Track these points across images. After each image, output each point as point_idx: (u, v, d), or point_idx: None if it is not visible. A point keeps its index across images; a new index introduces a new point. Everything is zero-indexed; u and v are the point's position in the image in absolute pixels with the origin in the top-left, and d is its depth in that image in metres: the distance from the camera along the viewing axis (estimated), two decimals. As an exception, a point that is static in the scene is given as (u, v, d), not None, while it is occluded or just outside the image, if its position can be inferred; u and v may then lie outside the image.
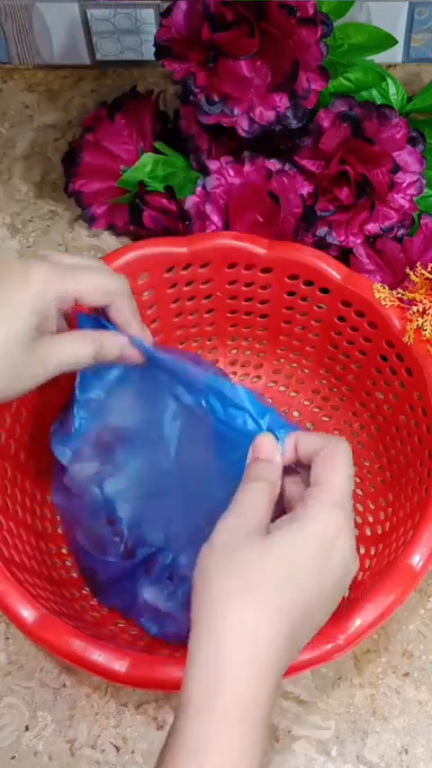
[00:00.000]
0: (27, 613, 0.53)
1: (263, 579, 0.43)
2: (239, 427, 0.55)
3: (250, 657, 0.41)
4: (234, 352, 0.75)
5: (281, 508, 0.52)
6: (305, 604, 0.44)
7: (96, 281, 0.54)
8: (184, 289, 0.70)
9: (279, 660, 0.42)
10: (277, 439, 0.53)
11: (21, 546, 0.60)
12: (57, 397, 0.63)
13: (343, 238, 0.71)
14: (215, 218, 0.71)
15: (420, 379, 0.62)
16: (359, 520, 0.66)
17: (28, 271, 0.52)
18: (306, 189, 0.70)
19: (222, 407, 0.57)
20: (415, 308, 0.63)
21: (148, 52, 0.86)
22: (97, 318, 0.57)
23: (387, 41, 0.75)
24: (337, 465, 0.48)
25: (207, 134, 0.74)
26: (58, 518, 0.65)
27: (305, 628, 0.44)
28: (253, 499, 0.48)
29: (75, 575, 0.64)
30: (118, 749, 0.60)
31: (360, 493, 0.67)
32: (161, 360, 0.58)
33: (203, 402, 0.58)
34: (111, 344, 0.56)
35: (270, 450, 0.52)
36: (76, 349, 0.54)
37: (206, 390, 0.58)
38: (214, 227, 0.71)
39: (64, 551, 0.65)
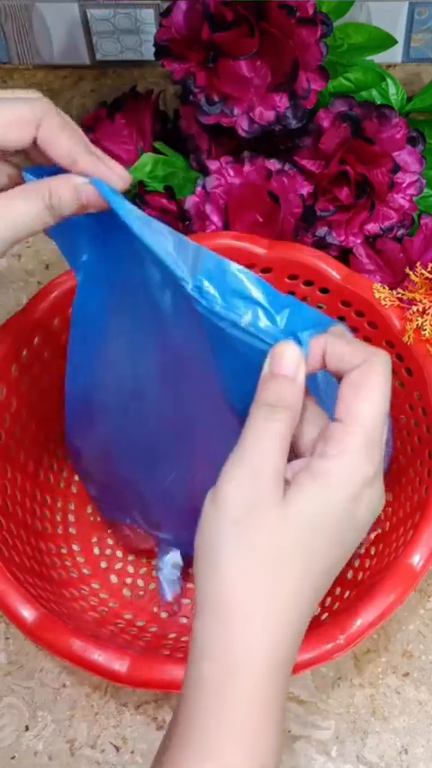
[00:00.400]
0: (27, 613, 0.53)
1: (280, 555, 0.37)
2: (246, 326, 0.42)
3: (267, 646, 0.37)
4: (234, 352, 0.75)
5: None
6: (327, 571, 0.39)
7: (11, 112, 0.42)
8: (184, 289, 0.69)
9: (296, 640, 0.39)
10: (300, 344, 0.40)
11: (21, 546, 0.60)
12: (57, 397, 0.63)
13: (343, 238, 0.71)
14: (215, 218, 0.71)
15: (420, 379, 0.62)
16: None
17: None
18: (306, 189, 0.70)
19: (221, 295, 0.42)
20: (415, 308, 0.63)
21: (148, 52, 0.85)
22: (47, 169, 0.44)
23: (387, 41, 0.75)
24: (372, 392, 0.39)
25: (207, 134, 0.74)
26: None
27: (323, 589, 0.39)
28: (269, 438, 0.39)
29: (75, 575, 0.64)
30: (118, 749, 0.60)
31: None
32: (126, 212, 0.42)
33: (192, 286, 0.42)
34: (62, 190, 0.43)
35: (292, 365, 0.40)
36: (20, 208, 0.42)
37: (196, 268, 0.42)
38: (214, 227, 0.71)
39: (64, 551, 0.65)
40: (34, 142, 0.43)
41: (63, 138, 0.43)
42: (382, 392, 0.39)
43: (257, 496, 0.38)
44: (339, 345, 0.41)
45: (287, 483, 0.39)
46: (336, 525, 0.38)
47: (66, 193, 0.43)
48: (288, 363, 0.40)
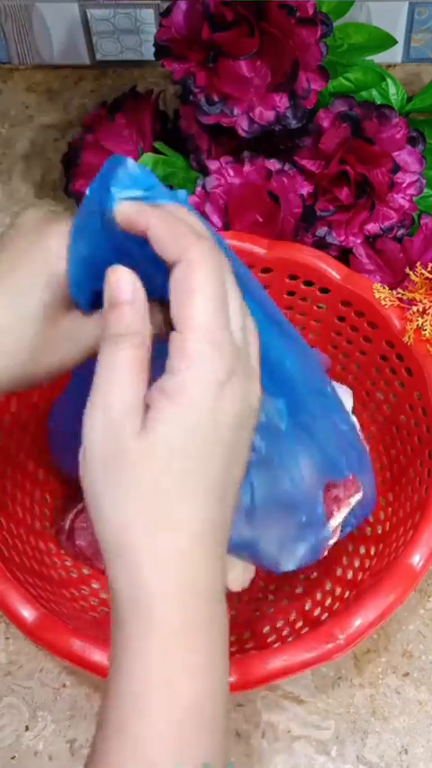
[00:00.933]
0: (27, 613, 0.53)
1: (155, 488, 0.36)
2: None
3: (179, 579, 0.37)
4: (234, 352, 0.75)
5: None
6: (217, 482, 0.38)
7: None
8: (184, 289, 0.69)
9: (208, 565, 0.37)
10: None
11: (21, 546, 0.60)
12: (57, 397, 0.63)
13: (343, 238, 0.71)
14: (215, 218, 0.71)
15: (420, 379, 0.62)
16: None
17: (47, 230, 0.43)
18: (306, 189, 0.70)
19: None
20: (415, 308, 0.63)
21: (148, 52, 0.85)
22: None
23: (387, 41, 0.75)
24: (200, 293, 0.37)
25: (207, 134, 0.74)
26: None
27: (223, 501, 0.38)
28: (118, 370, 0.37)
29: (75, 575, 0.64)
30: (118, 749, 0.60)
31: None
32: None
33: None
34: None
35: (128, 289, 0.38)
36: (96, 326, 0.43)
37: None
38: (214, 228, 0.71)
39: (64, 551, 0.65)
40: None
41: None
42: (210, 291, 0.37)
43: (115, 436, 0.37)
44: (162, 228, 0.38)
45: (148, 409, 0.37)
46: (204, 436, 0.37)
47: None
48: (124, 288, 0.38)
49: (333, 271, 0.66)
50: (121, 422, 0.37)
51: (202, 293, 0.37)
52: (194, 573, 0.37)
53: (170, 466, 0.37)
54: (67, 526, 0.64)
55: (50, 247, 0.42)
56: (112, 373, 0.37)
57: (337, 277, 0.66)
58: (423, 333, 0.63)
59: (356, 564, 0.63)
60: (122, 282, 0.38)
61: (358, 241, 0.71)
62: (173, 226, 0.38)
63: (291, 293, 0.69)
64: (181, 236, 0.38)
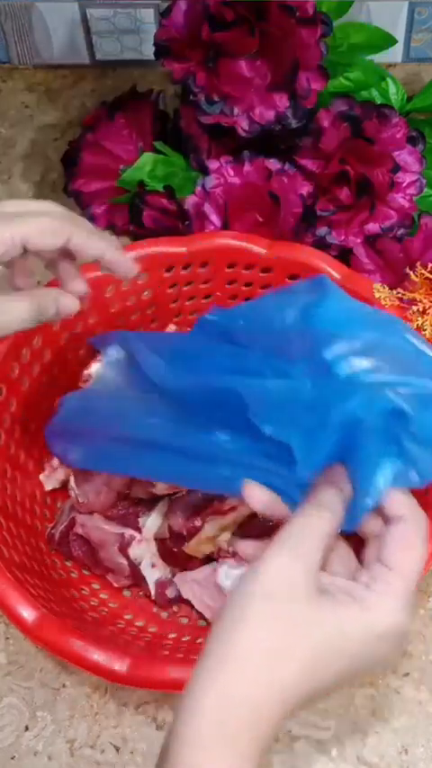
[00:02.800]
0: (27, 613, 0.53)
1: (300, 650, 0.39)
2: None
3: (232, 702, 0.38)
4: (234, 352, 0.75)
5: None
6: (320, 687, 0.40)
7: (39, 224, 0.50)
8: (184, 289, 0.70)
9: (256, 718, 0.39)
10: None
11: (21, 546, 0.60)
12: (57, 397, 0.63)
13: (343, 238, 0.71)
14: (214, 217, 0.71)
15: (420, 379, 0.62)
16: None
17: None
18: (306, 189, 0.70)
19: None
20: (415, 308, 0.63)
21: (148, 52, 0.85)
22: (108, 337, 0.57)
23: (387, 41, 0.75)
24: (416, 550, 0.42)
25: (207, 134, 0.74)
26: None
27: (305, 699, 0.40)
28: (317, 532, 0.41)
29: (75, 575, 0.64)
30: (118, 749, 0.60)
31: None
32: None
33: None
34: (46, 299, 0.52)
35: (343, 478, 0.44)
36: (14, 308, 0.51)
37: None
38: (213, 227, 0.71)
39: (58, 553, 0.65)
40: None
41: (87, 240, 0.52)
42: (423, 552, 0.42)
43: (294, 582, 0.40)
44: (397, 494, 0.43)
45: (324, 592, 0.41)
46: (354, 653, 0.40)
47: (48, 303, 0.52)
48: (340, 476, 0.43)
49: (333, 270, 0.66)
50: (305, 575, 0.40)
51: (419, 552, 0.42)
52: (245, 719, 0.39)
53: (320, 644, 0.39)
54: (57, 536, 0.64)
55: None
56: (310, 530, 0.41)
57: (338, 277, 0.66)
58: (423, 333, 0.63)
59: (356, 564, 0.63)
60: (340, 473, 0.43)
61: (358, 241, 0.71)
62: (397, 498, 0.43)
63: (291, 293, 0.69)
64: (407, 499, 0.44)
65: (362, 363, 0.43)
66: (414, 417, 0.42)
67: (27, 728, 0.61)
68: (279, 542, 0.41)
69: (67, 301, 0.53)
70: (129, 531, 0.63)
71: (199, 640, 0.61)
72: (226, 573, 0.60)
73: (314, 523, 0.42)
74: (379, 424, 0.42)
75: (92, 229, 0.53)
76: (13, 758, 0.60)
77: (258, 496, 0.45)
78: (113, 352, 0.63)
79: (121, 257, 0.54)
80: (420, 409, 0.42)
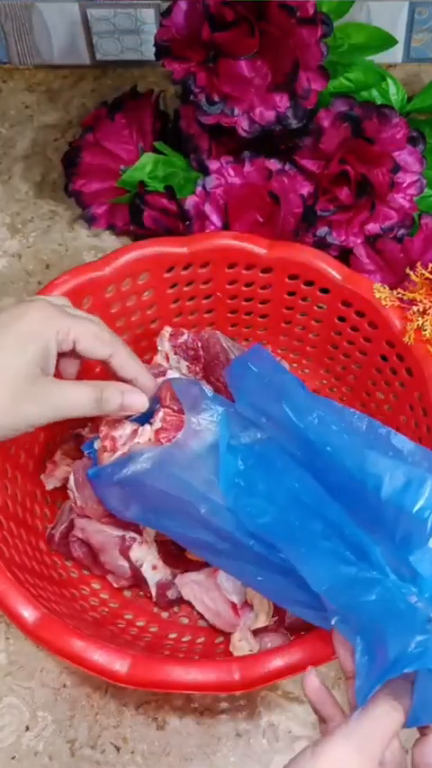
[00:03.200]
0: (27, 613, 0.53)
1: None
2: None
3: None
4: (234, 352, 0.75)
5: None
6: None
7: (92, 328, 0.54)
8: (185, 289, 0.70)
9: None
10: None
11: (21, 546, 0.60)
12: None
13: (343, 238, 0.71)
14: (215, 218, 0.71)
15: (420, 379, 0.62)
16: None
17: (28, 308, 0.52)
18: (306, 189, 0.70)
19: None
20: (415, 308, 0.63)
21: (148, 52, 0.86)
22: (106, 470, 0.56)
23: (387, 41, 0.75)
24: None
25: (207, 134, 0.74)
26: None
27: None
28: (384, 729, 0.42)
29: (75, 574, 0.64)
30: (118, 749, 0.60)
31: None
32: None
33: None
34: (111, 392, 0.55)
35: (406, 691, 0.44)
36: (76, 394, 0.53)
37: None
38: (214, 227, 0.71)
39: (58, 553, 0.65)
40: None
41: (133, 364, 0.57)
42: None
43: None
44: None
45: None
46: None
47: (113, 394, 0.55)
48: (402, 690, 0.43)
49: (333, 271, 0.66)
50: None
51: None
52: None
53: None
54: (56, 537, 0.64)
55: (36, 317, 0.53)
56: (381, 727, 0.42)
57: (338, 277, 0.66)
58: (423, 333, 0.63)
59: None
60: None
61: (358, 241, 0.71)
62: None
63: (291, 293, 0.69)
64: None
65: None
66: None
67: (27, 728, 0.61)
68: (348, 731, 0.41)
69: (135, 398, 0.56)
70: (129, 534, 0.63)
71: (199, 640, 0.61)
72: (226, 575, 0.60)
73: (386, 722, 0.42)
74: None
75: (130, 352, 0.57)
76: (13, 758, 0.60)
77: (313, 685, 0.46)
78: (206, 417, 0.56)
79: (150, 384, 0.57)
80: None
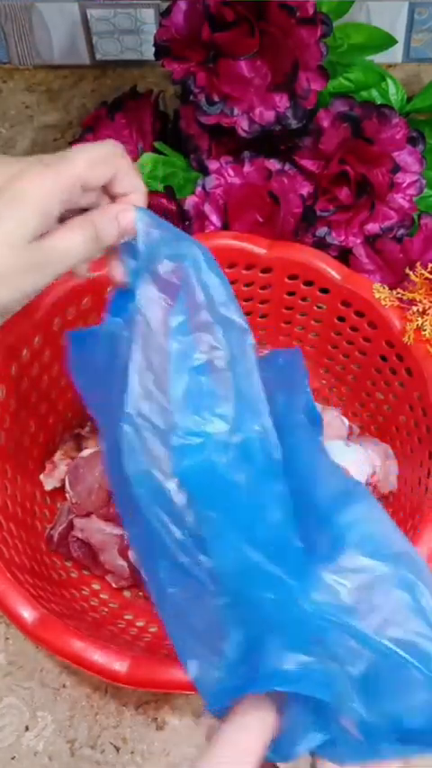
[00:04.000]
0: (27, 613, 0.53)
1: None
2: None
3: None
4: (234, 352, 0.74)
5: None
6: None
7: (92, 154, 0.47)
8: (184, 289, 0.69)
9: None
10: None
11: (21, 546, 0.60)
12: (57, 397, 0.63)
13: (343, 238, 0.71)
14: (214, 218, 0.71)
15: (420, 379, 0.62)
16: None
17: (24, 174, 0.47)
18: (306, 189, 0.70)
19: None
20: (415, 308, 0.63)
21: (148, 52, 0.86)
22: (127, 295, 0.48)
23: (387, 41, 0.75)
24: None
25: (207, 134, 0.74)
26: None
27: None
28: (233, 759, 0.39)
29: (75, 575, 0.64)
30: (118, 749, 0.60)
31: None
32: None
33: None
34: (104, 222, 0.47)
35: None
36: (69, 242, 0.46)
37: None
38: (213, 228, 0.71)
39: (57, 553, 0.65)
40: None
41: (134, 174, 0.49)
42: None
43: None
44: None
45: None
46: None
47: (109, 224, 0.47)
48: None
49: (333, 271, 0.66)
50: None
51: None
52: None
53: None
54: (55, 538, 0.64)
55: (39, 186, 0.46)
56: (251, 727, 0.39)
57: (337, 277, 0.66)
58: (423, 333, 0.63)
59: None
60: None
61: (358, 241, 0.71)
62: None
63: (291, 293, 0.69)
64: None
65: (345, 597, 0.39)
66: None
67: (27, 729, 0.61)
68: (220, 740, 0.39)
69: (130, 216, 0.48)
70: (129, 532, 0.63)
71: (199, 640, 0.61)
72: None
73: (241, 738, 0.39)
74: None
75: (130, 161, 0.49)
76: (13, 758, 0.60)
77: None
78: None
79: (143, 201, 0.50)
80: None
